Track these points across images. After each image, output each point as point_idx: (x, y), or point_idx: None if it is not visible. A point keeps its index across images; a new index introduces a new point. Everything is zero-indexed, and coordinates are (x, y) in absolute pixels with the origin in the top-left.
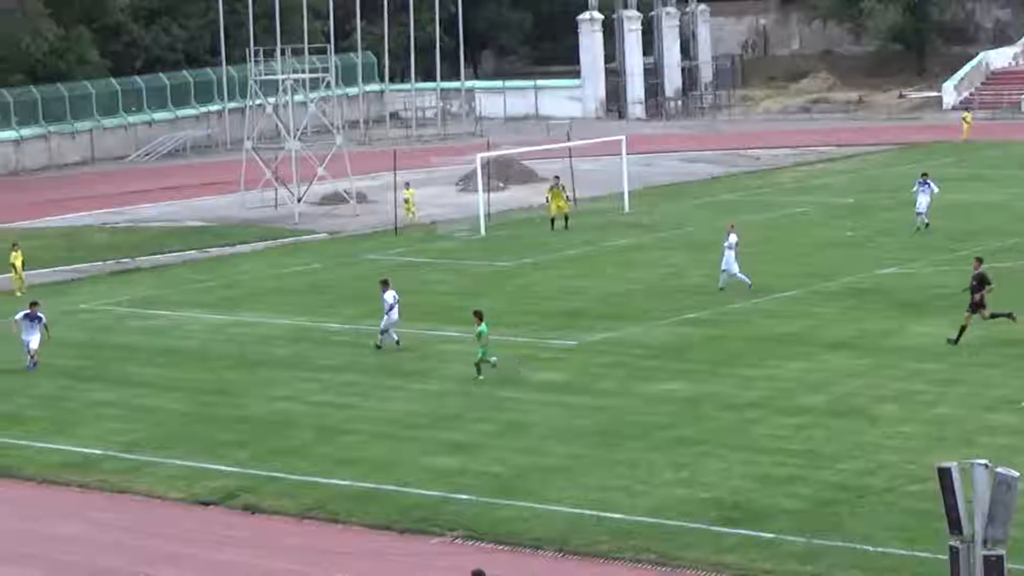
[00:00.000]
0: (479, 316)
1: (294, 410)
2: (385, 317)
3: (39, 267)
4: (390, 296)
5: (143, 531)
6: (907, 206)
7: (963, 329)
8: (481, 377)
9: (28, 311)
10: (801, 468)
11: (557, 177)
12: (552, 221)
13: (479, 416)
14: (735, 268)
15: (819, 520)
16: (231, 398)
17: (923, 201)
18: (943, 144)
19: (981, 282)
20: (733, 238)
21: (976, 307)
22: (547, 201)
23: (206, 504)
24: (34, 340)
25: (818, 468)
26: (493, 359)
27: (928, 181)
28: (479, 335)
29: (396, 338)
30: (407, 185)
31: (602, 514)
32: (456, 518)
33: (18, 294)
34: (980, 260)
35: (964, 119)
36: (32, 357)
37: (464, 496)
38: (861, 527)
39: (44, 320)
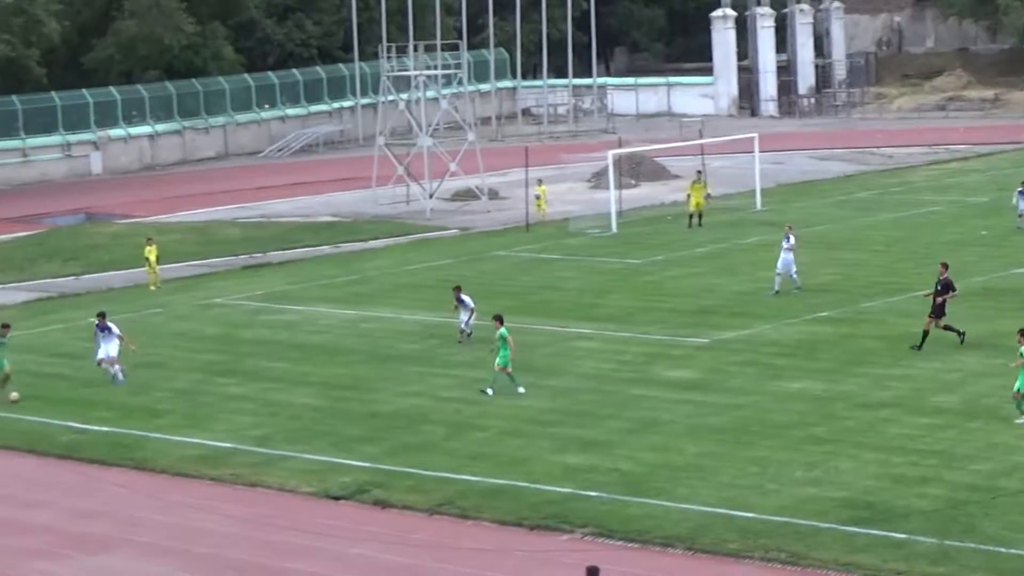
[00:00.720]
0: (500, 320)
1: (425, 406)
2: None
3: (173, 262)
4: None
5: (274, 525)
6: None
7: (926, 335)
8: (490, 392)
9: (97, 321)
10: (934, 468)
11: (699, 171)
12: (690, 217)
13: (610, 413)
14: (792, 269)
15: (951, 521)
16: (362, 393)
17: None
18: None
19: (946, 288)
20: (792, 239)
21: (939, 312)
22: (688, 196)
23: (337, 499)
24: (112, 348)
25: (951, 468)
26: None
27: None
28: (501, 340)
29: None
30: (539, 182)
31: (732, 513)
32: (586, 515)
33: (152, 288)
34: (946, 265)
35: None
36: (114, 366)
37: (594, 493)
38: (994, 528)
39: (115, 330)
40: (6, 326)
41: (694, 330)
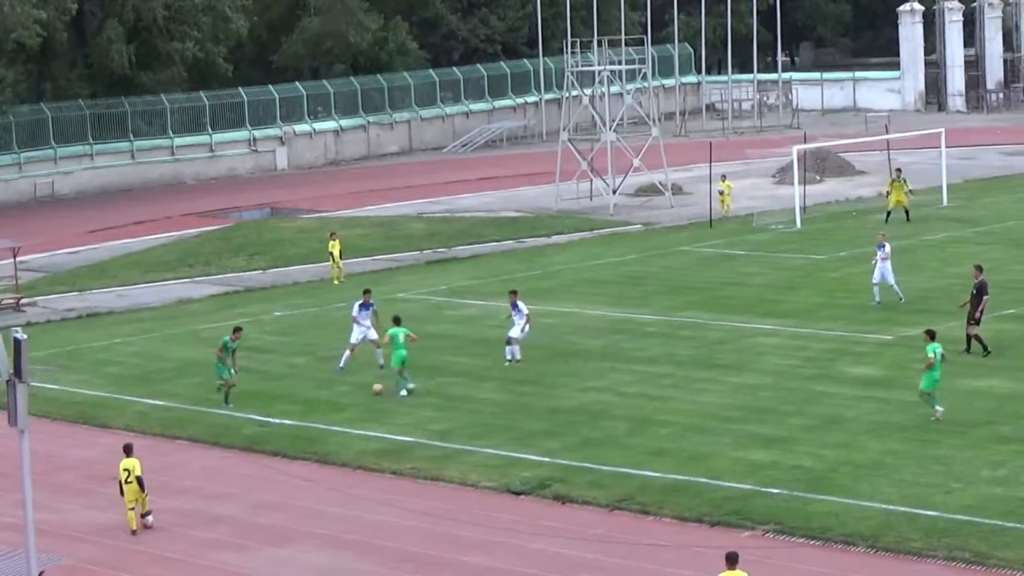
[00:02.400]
0: (397, 320)
1: (606, 401)
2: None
3: (357, 256)
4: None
5: (454, 519)
6: None
7: (971, 339)
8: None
9: (362, 301)
10: None
11: (899, 170)
12: (888, 213)
13: (792, 410)
14: (891, 279)
15: None
16: (544, 388)
17: None
18: None
19: (980, 292)
20: (887, 248)
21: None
22: (887, 193)
23: (517, 494)
24: (371, 331)
25: None
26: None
27: None
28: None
29: (513, 357)
30: (723, 177)
31: (915, 511)
32: (767, 512)
33: (336, 282)
34: (980, 268)
35: None
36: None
37: (776, 490)
38: None
39: (375, 307)
40: (238, 330)
41: (878, 327)
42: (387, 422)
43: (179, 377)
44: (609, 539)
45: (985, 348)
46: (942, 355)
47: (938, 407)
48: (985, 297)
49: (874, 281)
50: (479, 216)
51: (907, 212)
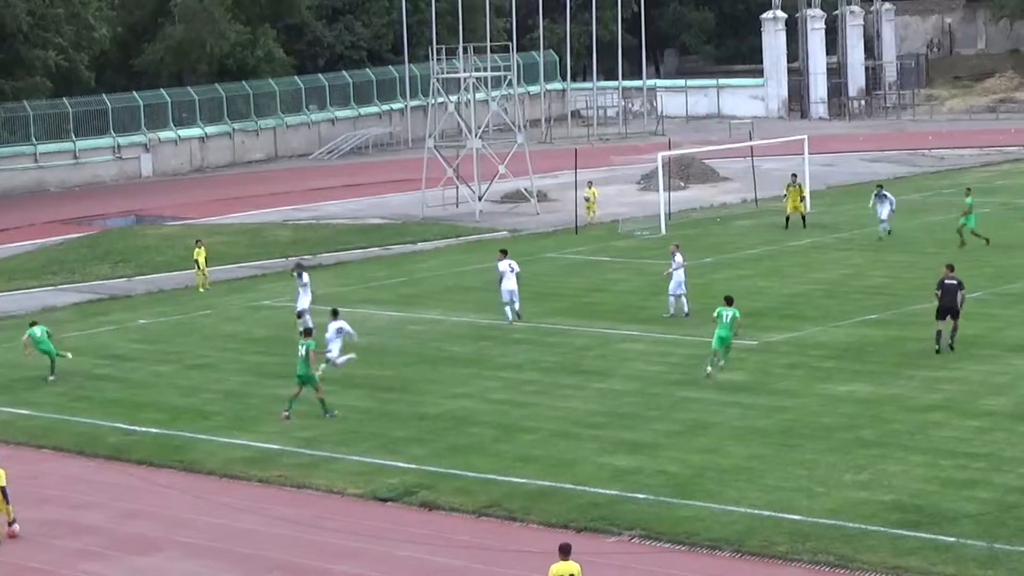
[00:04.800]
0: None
1: (473, 407)
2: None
3: (223, 263)
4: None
5: (321, 526)
6: None
7: (952, 332)
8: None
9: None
10: (982, 472)
11: (795, 175)
12: (787, 219)
13: (657, 415)
14: (682, 290)
15: (1001, 524)
16: (410, 395)
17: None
18: None
19: (960, 286)
20: (679, 258)
21: (952, 313)
22: (784, 199)
23: (384, 500)
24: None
25: (1000, 472)
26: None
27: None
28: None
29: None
30: (589, 184)
31: (780, 515)
32: (633, 517)
33: (202, 290)
34: (951, 267)
35: None
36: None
37: (641, 495)
38: None
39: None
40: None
41: (743, 332)
42: (253, 430)
43: (43, 386)
44: (476, 546)
45: (951, 344)
46: (731, 319)
47: (709, 368)
48: (962, 292)
49: (670, 292)
50: (345, 223)
51: (803, 218)
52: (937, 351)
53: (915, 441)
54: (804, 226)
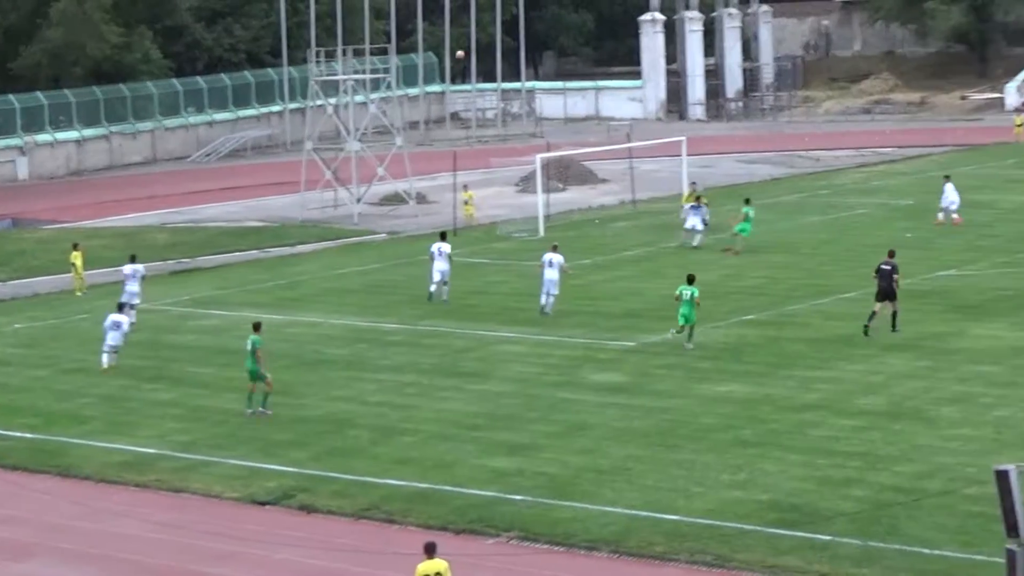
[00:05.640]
0: (256, 327)
1: (352, 410)
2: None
3: (100, 267)
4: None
5: (199, 530)
6: (969, 208)
7: (893, 316)
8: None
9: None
10: (858, 470)
11: (694, 183)
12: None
13: (536, 417)
14: (554, 290)
15: (875, 523)
16: (289, 398)
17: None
18: (1005, 146)
19: (894, 271)
20: (558, 258)
21: (889, 295)
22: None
23: (262, 504)
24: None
25: (875, 470)
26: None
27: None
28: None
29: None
30: (465, 187)
31: (658, 515)
32: (511, 519)
33: (79, 294)
34: (892, 253)
35: (1015, 123)
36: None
37: (520, 497)
38: (918, 530)
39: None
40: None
41: (621, 333)
42: (130, 434)
43: None
44: (355, 548)
45: (893, 327)
46: (692, 296)
47: (688, 344)
48: (896, 277)
49: (545, 291)
50: (223, 226)
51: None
52: (866, 332)
53: (792, 440)
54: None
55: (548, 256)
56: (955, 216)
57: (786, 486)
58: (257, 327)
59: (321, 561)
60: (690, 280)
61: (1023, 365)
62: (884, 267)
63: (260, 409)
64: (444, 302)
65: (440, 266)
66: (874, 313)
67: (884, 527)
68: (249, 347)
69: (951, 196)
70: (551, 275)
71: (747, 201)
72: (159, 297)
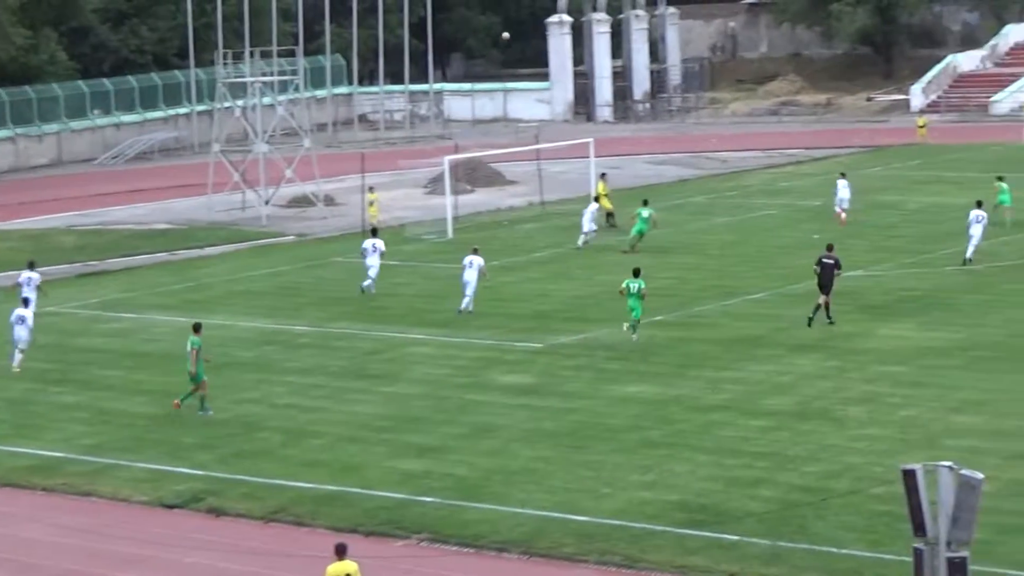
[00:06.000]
0: (196, 329)
1: (260, 413)
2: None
3: (6, 270)
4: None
5: (108, 534)
6: (874, 209)
7: (826, 308)
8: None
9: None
10: (766, 470)
11: (603, 174)
12: (610, 215)
13: (445, 419)
14: (471, 289)
15: (784, 522)
16: (197, 401)
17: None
18: (910, 147)
19: (837, 265)
20: (479, 260)
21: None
22: (596, 198)
23: (171, 507)
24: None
25: (783, 470)
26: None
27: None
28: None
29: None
30: (370, 189)
31: (567, 516)
32: (421, 521)
33: None
34: (832, 247)
35: (918, 124)
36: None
37: (430, 499)
38: (825, 529)
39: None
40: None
41: (529, 335)
42: (36, 437)
43: None
44: (264, 551)
45: (829, 316)
46: (639, 289)
47: (634, 336)
48: (837, 272)
49: (466, 293)
50: (131, 228)
51: (610, 215)
52: (809, 323)
53: (700, 441)
54: (609, 223)
55: (469, 258)
56: (842, 215)
57: (695, 486)
58: (197, 328)
59: (231, 564)
60: (635, 273)
61: (929, 365)
62: (826, 260)
63: (200, 411)
64: (361, 291)
65: (372, 262)
66: (819, 305)
67: (792, 527)
68: (189, 348)
69: (842, 193)
70: (470, 276)
71: (645, 203)
72: (66, 300)
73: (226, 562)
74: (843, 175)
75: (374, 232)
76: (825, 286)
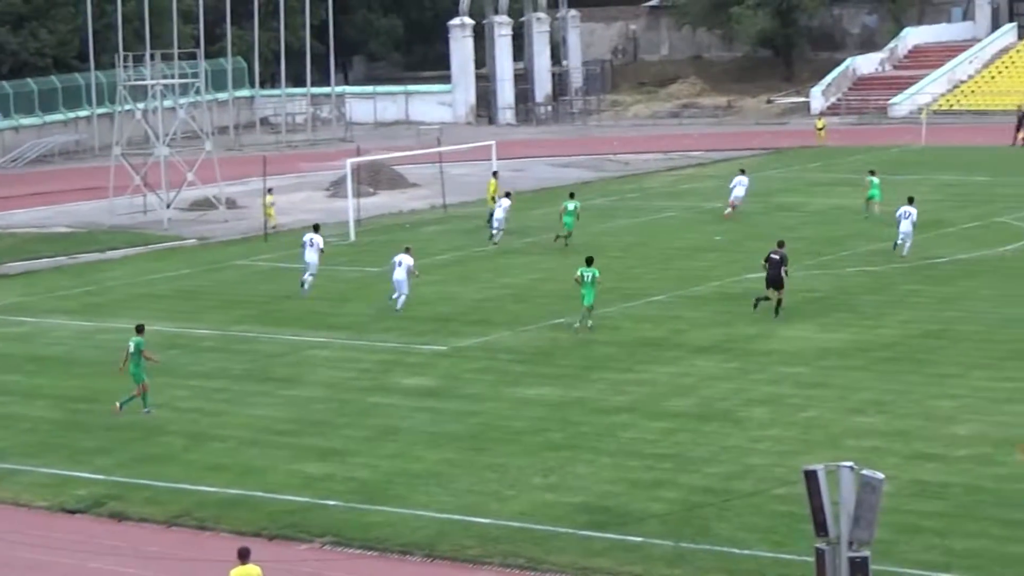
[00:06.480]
0: (139, 330)
1: (162, 416)
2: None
3: None
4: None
5: (8, 540)
6: (775, 211)
7: (777, 303)
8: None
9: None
10: (669, 472)
11: (495, 172)
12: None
13: (348, 422)
14: (406, 288)
15: (686, 524)
16: (99, 405)
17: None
18: (809, 149)
19: (783, 262)
20: (408, 260)
21: (776, 284)
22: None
23: (72, 512)
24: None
25: (686, 472)
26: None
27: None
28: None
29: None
30: (270, 190)
31: (471, 519)
32: (324, 524)
33: None
34: (782, 244)
35: (817, 126)
36: None
37: (332, 502)
38: (728, 530)
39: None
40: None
41: (432, 337)
42: None
43: None
44: (167, 556)
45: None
46: (592, 278)
47: (589, 322)
48: (784, 268)
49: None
50: (31, 232)
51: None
52: (755, 307)
53: (603, 443)
54: (488, 223)
55: (399, 257)
56: (728, 209)
57: (597, 488)
58: (140, 329)
59: (133, 569)
60: (588, 262)
61: (830, 366)
62: (773, 256)
63: (137, 408)
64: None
65: (310, 258)
66: (766, 298)
67: (695, 528)
68: (132, 349)
69: (737, 191)
70: (399, 275)
71: (571, 195)
72: None
73: (129, 567)
74: (743, 171)
75: (315, 228)
76: (773, 281)
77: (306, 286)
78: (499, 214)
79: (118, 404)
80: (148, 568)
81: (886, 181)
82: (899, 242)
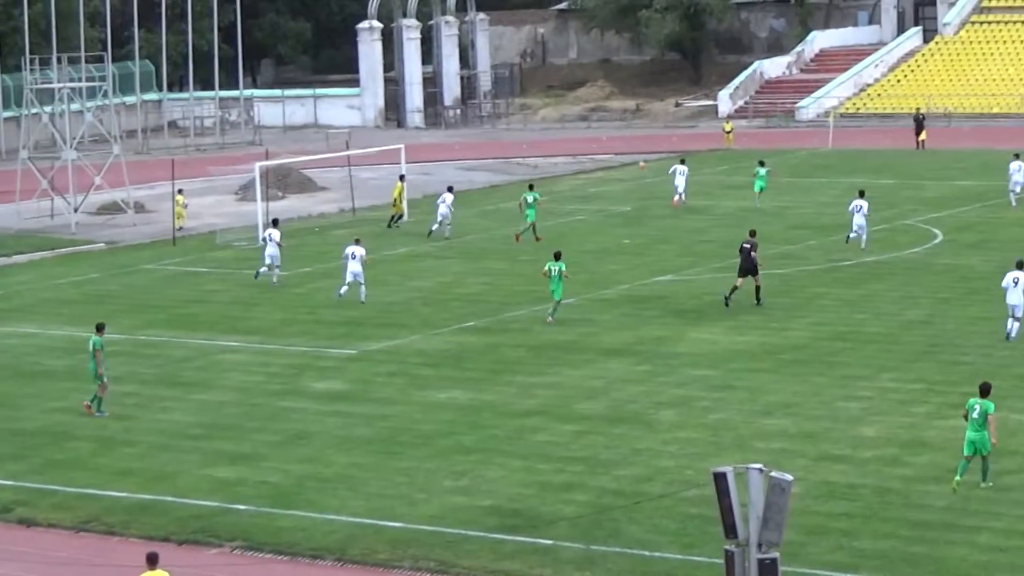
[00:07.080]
0: (99, 329)
1: (71, 422)
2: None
3: None
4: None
5: None
6: (684, 213)
7: (756, 290)
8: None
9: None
10: (579, 475)
11: (402, 176)
12: (392, 218)
13: (258, 426)
14: (363, 279)
15: (597, 526)
16: (6, 410)
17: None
18: (718, 152)
19: (752, 250)
20: (360, 251)
21: (750, 271)
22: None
23: None
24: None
25: (596, 474)
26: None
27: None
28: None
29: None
30: (179, 191)
31: (381, 523)
32: (234, 529)
33: None
34: (753, 233)
35: (725, 129)
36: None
37: (243, 506)
38: (638, 533)
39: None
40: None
41: (342, 341)
42: None
43: None
44: (76, 562)
45: (757, 300)
46: (560, 272)
47: (550, 318)
48: (754, 254)
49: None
50: None
51: (393, 218)
52: (726, 304)
53: (513, 446)
54: (389, 226)
55: (351, 249)
56: (675, 199)
57: (508, 491)
58: (100, 328)
59: (42, 575)
60: (556, 256)
61: (739, 368)
62: (745, 245)
63: (96, 412)
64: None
65: (270, 251)
66: (735, 287)
67: (606, 530)
68: (90, 348)
69: (678, 180)
70: (355, 267)
71: (530, 187)
72: None
73: (37, 573)
74: (683, 161)
75: (274, 223)
76: (746, 270)
77: (275, 279)
78: (443, 209)
79: (87, 403)
80: (56, 574)
81: (795, 185)
82: (853, 235)
